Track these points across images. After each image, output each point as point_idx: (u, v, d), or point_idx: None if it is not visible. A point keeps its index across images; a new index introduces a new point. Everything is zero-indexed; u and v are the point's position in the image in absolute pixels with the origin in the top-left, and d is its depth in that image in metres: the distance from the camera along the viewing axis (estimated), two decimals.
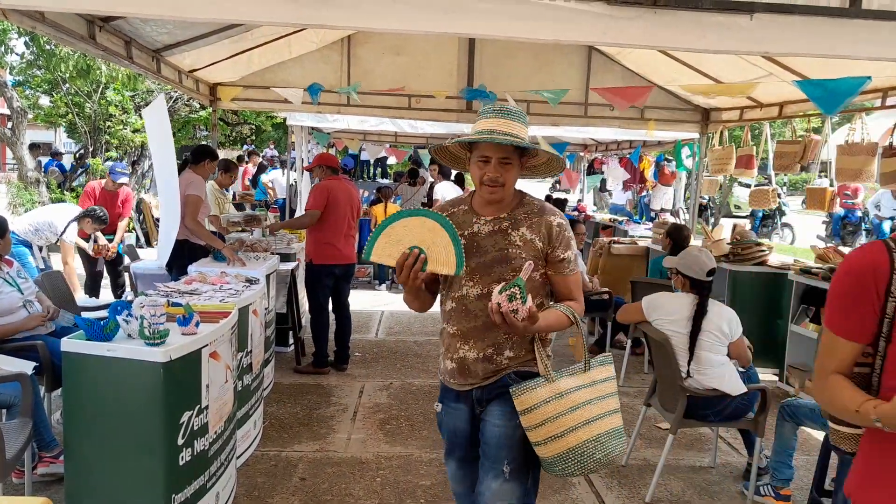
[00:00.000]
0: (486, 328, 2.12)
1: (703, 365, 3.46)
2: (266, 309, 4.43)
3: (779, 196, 9.36)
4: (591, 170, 14.64)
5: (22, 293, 3.77)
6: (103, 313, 3.00)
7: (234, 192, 10.49)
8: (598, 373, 2.16)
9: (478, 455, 2.25)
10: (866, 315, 1.45)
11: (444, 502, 3.42)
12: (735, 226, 6.59)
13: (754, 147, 6.41)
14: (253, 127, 21.69)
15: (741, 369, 3.67)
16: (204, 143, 10.43)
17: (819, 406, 3.39)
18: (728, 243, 6.01)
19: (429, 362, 5.81)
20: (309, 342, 5.76)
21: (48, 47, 12.01)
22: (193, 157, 5.32)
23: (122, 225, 6.83)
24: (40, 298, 3.94)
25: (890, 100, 4.65)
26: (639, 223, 10.32)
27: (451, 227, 2.01)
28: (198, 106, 14.68)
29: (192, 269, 4.50)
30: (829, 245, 8.11)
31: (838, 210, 13.23)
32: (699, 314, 3.49)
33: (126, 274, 6.36)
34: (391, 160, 18.05)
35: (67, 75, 12.35)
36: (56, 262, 6.57)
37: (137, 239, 10.99)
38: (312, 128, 10.20)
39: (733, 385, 3.46)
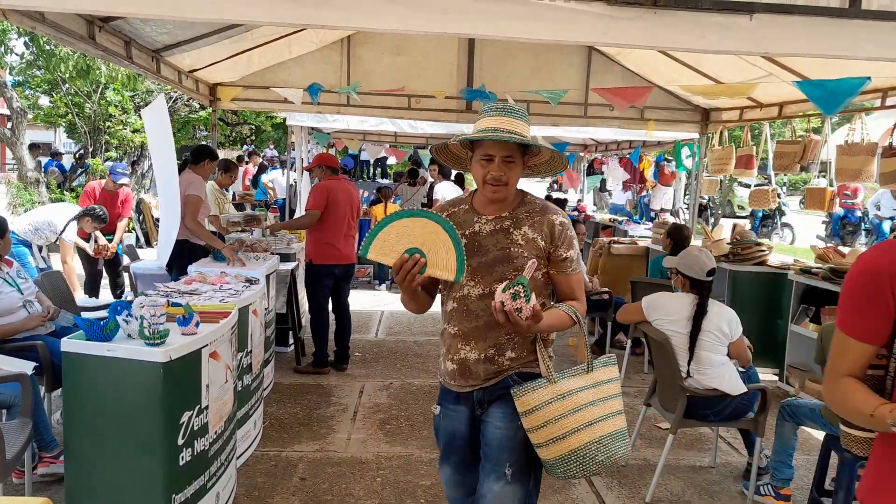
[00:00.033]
0: (488, 328, 2.10)
1: (703, 365, 3.46)
2: (266, 309, 4.43)
3: (779, 196, 9.36)
4: (591, 170, 14.65)
5: (22, 293, 3.77)
6: (103, 313, 3.00)
7: (234, 193, 10.49)
8: (602, 374, 2.14)
9: (474, 459, 2.23)
10: (880, 316, 1.42)
11: (444, 502, 3.42)
12: (735, 226, 6.60)
13: (754, 147, 6.41)
14: (253, 127, 21.69)
15: (741, 369, 3.67)
16: (204, 143, 10.43)
17: (819, 406, 3.39)
18: (728, 243, 6.01)
19: (429, 362, 5.81)
20: (309, 342, 5.76)
21: (48, 47, 12.02)
22: (193, 158, 5.33)
23: (121, 225, 6.83)
24: (40, 298, 3.94)
25: (890, 100, 4.65)
26: (639, 223, 10.32)
27: (454, 232, 1.98)
28: (197, 106, 14.69)
29: (192, 269, 4.50)
30: (828, 245, 8.11)
31: (838, 210, 13.23)
32: (699, 314, 3.49)
33: (125, 274, 6.37)
34: (391, 160, 18.05)
35: (67, 75, 12.35)
36: (56, 262, 6.58)
37: (137, 239, 10.99)
38: (312, 128, 10.20)
39: (733, 385, 3.46)
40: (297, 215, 9.38)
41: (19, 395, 3.10)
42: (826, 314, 5.05)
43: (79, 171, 14.39)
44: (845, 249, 5.64)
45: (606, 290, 6.13)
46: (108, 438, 2.58)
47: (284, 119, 9.63)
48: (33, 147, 13.78)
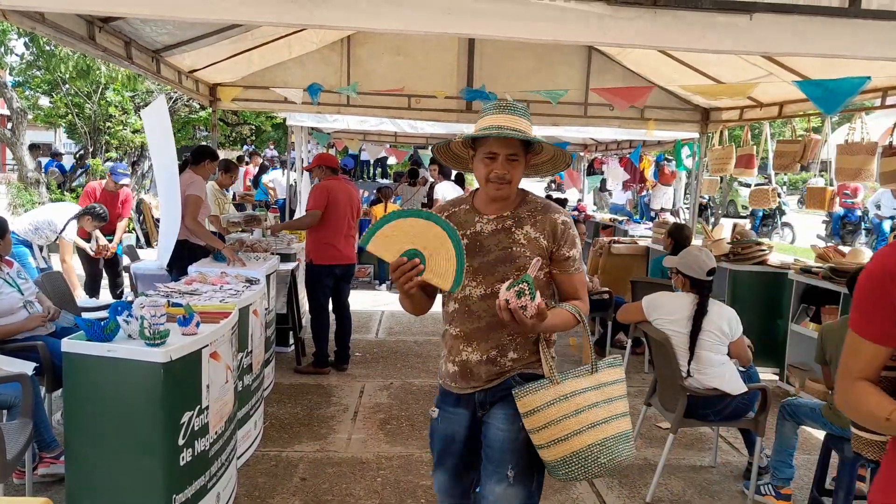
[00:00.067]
0: (490, 329, 2.09)
1: (704, 364, 3.46)
2: (266, 309, 4.44)
3: (779, 196, 9.36)
4: (591, 170, 14.65)
5: (22, 294, 3.77)
6: (103, 314, 3.00)
7: (234, 193, 10.50)
8: (607, 375, 2.11)
9: (469, 463, 2.21)
10: (886, 317, 1.41)
11: None
12: (735, 225, 6.60)
13: (754, 147, 6.41)
14: (253, 127, 21.69)
15: (741, 369, 3.67)
16: (204, 143, 10.43)
17: (819, 405, 3.39)
18: (728, 243, 6.01)
19: (429, 362, 5.81)
20: (309, 342, 5.76)
21: (48, 48, 12.02)
22: (194, 158, 5.33)
23: (121, 225, 6.83)
24: (40, 299, 3.94)
25: (890, 99, 4.65)
26: (639, 223, 10.33)
27: (460, 244, 1.93)
28: (198, 106, 14.69)
29: (193, 269, 4.50)
30: (829, 244, 8.11)
31: (838, 209, 13.23)
32: (699, 314, 3.49)
33: (125, 274, 6.37)
34: (391, 160, 18.05)
35: (67, 76, 12.36)
36: (56, 262, 6.58)
37: (137, 239, 10.99)
38: (312, 128, 10.20)
39: (734, 384, 3.46)
40: (297, 215, 9.38)
41: (20, 396, 3.10)
42: (826, 314, 5.05)
43: (79, 172, 14.39)
44: (845, 249, 5.64)
45: (607, 289, 6.13)
46: (109, 439, 2.58)
47: (284, 119, 9.64)
48: (33, 147, 13.78)
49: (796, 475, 3.62)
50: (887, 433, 1.44)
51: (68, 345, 2.57)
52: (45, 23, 3.28)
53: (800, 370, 5.26)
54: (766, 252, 5.85)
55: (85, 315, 4.07)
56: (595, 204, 15.20)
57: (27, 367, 3.19)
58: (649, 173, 12.42)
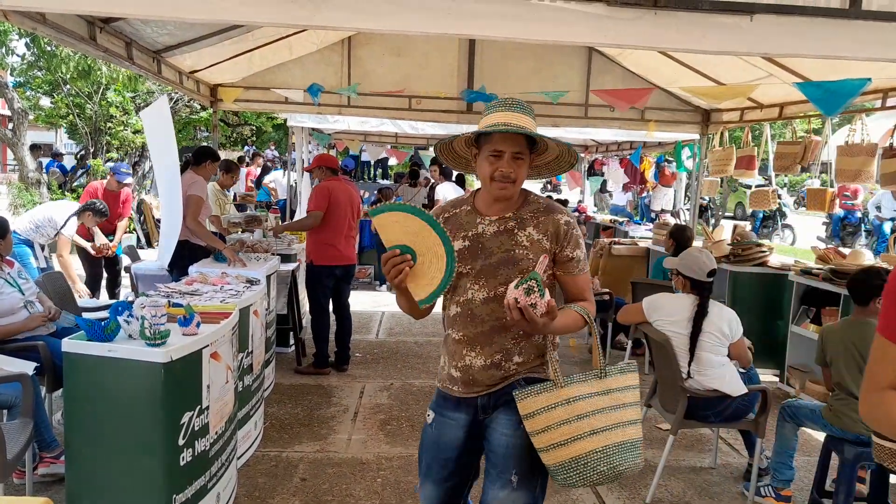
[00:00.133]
0: (494, 333, 2.05)
1: (704, 366, 3.46)
2: (267, 310, 4.44)
3: (779, 197, 9.36)
4: (592, 171, 14.66)
5: (23, 294, 3.77)
6: (104, 314, 3.01)
7: (235, 193, 10.51)
8: (617, 381, 2.03)
9: (461, 476, 2.16)
10: None
11: None
12: (735, 227, 6.60)
13: (755, 148, 6.41)
14: (254, 128, 21.72)
15: (742, 370, 3.67)
16: (205, 144, 10.44)
17: (819, 407, 3.39)
18: (728, 244, 6.01)
19: (429, 363, 5.81)
20: (309, 343, 5.76)
21: (49, 48, 12.03)
22: (195, 159, 5.34)
23: (121, 225, 6.84)
24: (41, 299, 3.94)
25: (890, 101, 4.65)
26: (639, 224, 10.33)
27: (452, 263, 1.90)
28: (198, 107, 14.70)
29: (193, 269, 4.50)
30: (829, 246, 8.11)
31: (838, 211, 13.23)
32: (700, 315, 3.49)
33: (126, 275, 6.37)
34: (392, 161, 18.07)
35: (68, 76, 12.37)
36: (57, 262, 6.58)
37: (138, 240, 11.00)
38: (313, 129, 10.21)
39: (734, 386, 3.46)
40: (297, 216, 9.38)
41: (20, 396, 3.11)
42: (826, 315, 5.05)
43: (80, 172, 14.41)
44: (846, 251, 5.64)
45: (607, 290, 6.13)
46: (109, 439, 2.58)
47: (285, 120, 9.65)
48: (34, 148, 13.80)
49: (796, 477, 3.62)
50: None
51: (69, 345, 2.57)
52: (46, 23, 3.29)
53: (800, 372, 5.26)
54: (767, 253, 5.85)
55: (85, 315, 4.07)
56: (595, 205, 15.22)
57: (28, 367, 3.19)
58: (650, 175, 12.43)
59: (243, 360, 3.62)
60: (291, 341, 5.90)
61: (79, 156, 15.62)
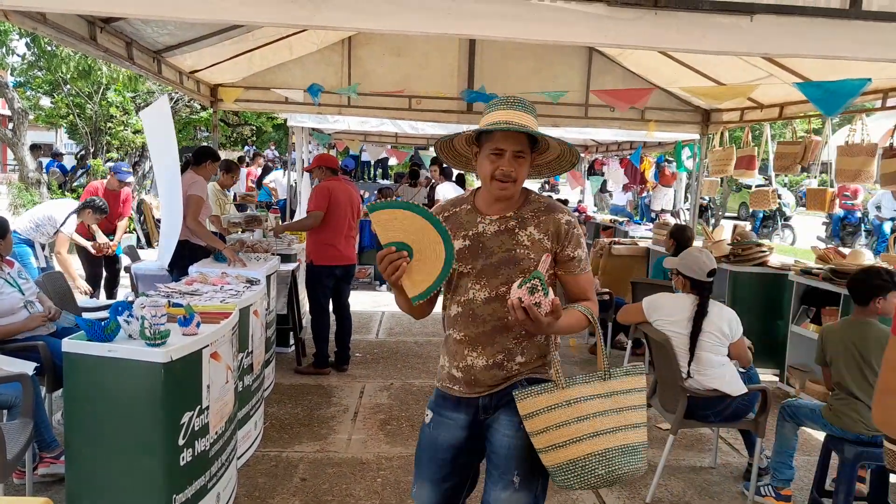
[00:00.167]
0: (496, 333, 2.03)
1: (704, 365, 3.46)
2: (267, 310, 4.44)
3: (779, 197, 9.35)
4: (592, 171, 14.66)
5: (23, 294, 3.77)
6: (104, 314, 3.01)
7: (235, 193, 10.51)
8: (622, 383, 2.00)
9: (459, 477, 2.15)
10: None
11: None
12: (735, 226, 6.60)
13: (755, 148, 6.42)
14: (254, 128, 21.72)
15: (741, 370, 3.67)
16: (205, 144, 10.44)
17: (819, 407, 3.39)
18: (728, 244, 6.01)
19: (429, 363, 5.81)
20: (309, 343, 5.76)
21: (49, 48, 12.04)
22: (195, 159, 5.35)
23: (121, 225, 6.85)
24: (41, 299, 3.94)
25: (890, 101, 4.65)
26: (639, 224, 10.33)
27: (450, 260, 1.89)
28: (198, 107, 14.71)
29: (193, 269, 4.51)
30: (829, 246, 8.11)
31: (838, 211, 13.23)
32: (700, 315, 3.49)
33: (126, 274, 6.37)
34: (392, 161, 18.07)
35: (68, 76, 12.38)
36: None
37: (138, 240, 11.01)
38: (313, 129, 10.21)
39: (734, 385, 3.46)
40: (297, 216, 9.38)
41: (20, 396, 3.11)
42: (826, 315, 5.05)
43: (80, 172, 14.42)
44: (846, 250, 5.64)
45: (607, 290, 6.14)
46: (109, 439, 2.58)
47: (285, 120, 9.64)
48: (34, 148, 13.80)
49: (796, 476, 3.62)
50: None
51: (69, 345, 2.57)
52: (46, 23, 3.29)
53: (800, 371, 5.26)
54: (767, 253, 5.85)
55: (85, 315, 4.08)
56: (595, 205, 15.23)
57: (28, 367, 3.19)
58: (650, 174, 12.43)
59: (243, 360, 3.62)
60: (291, 341, 5.91)
61: (79, 156, 15.62)
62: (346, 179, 5.92)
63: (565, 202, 10.87)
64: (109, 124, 13.65)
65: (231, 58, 5.82)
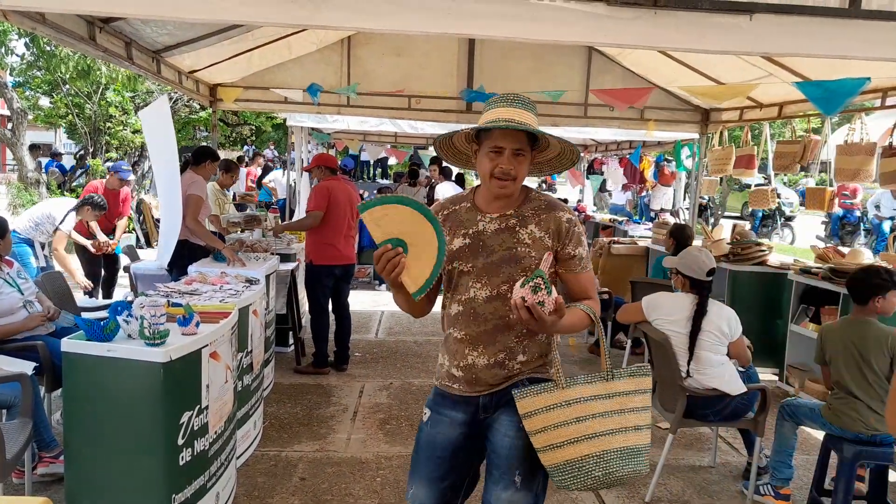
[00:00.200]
0: (497, 332, 2.01)
1: (703, 365, 3.47)
2: (266, 309, 4.44)
3: (778, 196, 9.35)
4: (591, 170, 14.66)
5: (22, 293, 3.77)
6: (103, 314, 3.01)
7: (235, 193, 10.51)
8: (624, 384, 1.97)
9: (455, 478, 2.13)
10: None
11: None
12: (735, 226, 6.60)
13: (754, 147, 6.42)
14: (253, 128, 21.71)
15: (741, 369, 3.67)
16: (204, 143, 10.44)
17: (818, 406, 3.40)
18: (728, 243, 6.01)
19: (429, 362, 5.81)
20: (309, 342, 5.76)
21: (48, 48, 12.03)
22: (194, 158, 5.35)
23: (121, 224, 6.85)
24: (40, 299, 3.94)
25: (889, 100, 4.65)
26: (638, 223, 10.33)
27: (443, 253, 1.87)
28: (198, 107, 14.70)
29: (193, 269, 4.51)
30: (828, 245, 8.12)
31: (837, 210, 13.24)
32: (699, 314, 3.49)
33: (125, 274, 6.37)
34: (391, 161, 18.07)
35: (67, 76, 12.38)
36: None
37: (138, 240, 11.00)
38: (312, 128, 10.21)
39: (733, 385, 3.46)
40: (296, 215, 9.38)
41: (19, 395, 3.11)
42: (826, 314, 5.05)
43: (79, 172, 14.42)
44: (845, 249, 5.64)
45: (606, 289, 6.14)
46: (108, 438, 2.58)
47: (285, 120, 9.64)
48: (34, 148, 13.81)
49: (795, 475, 3.62)
50: None
51: (68, 344, 2.57)
52: (45, 23, 3.29)
53: (799, 370, 5.27)
54: (766, 252, 5.86)
55: (84, 315, 4.07)
56: (595, 204, 15.23)
57: (27, 367, 3.19)
58: (649, 174, 12.42)
59: (242, 359, 3.62)
60: (291, 341, 5.90)
61: (78, 156, 15.63)
62: (346, 179, 5.92)
63: (565, 201, 10.88)
64: (108, 124, 13.64)
65: (230, 57, 5.82)
